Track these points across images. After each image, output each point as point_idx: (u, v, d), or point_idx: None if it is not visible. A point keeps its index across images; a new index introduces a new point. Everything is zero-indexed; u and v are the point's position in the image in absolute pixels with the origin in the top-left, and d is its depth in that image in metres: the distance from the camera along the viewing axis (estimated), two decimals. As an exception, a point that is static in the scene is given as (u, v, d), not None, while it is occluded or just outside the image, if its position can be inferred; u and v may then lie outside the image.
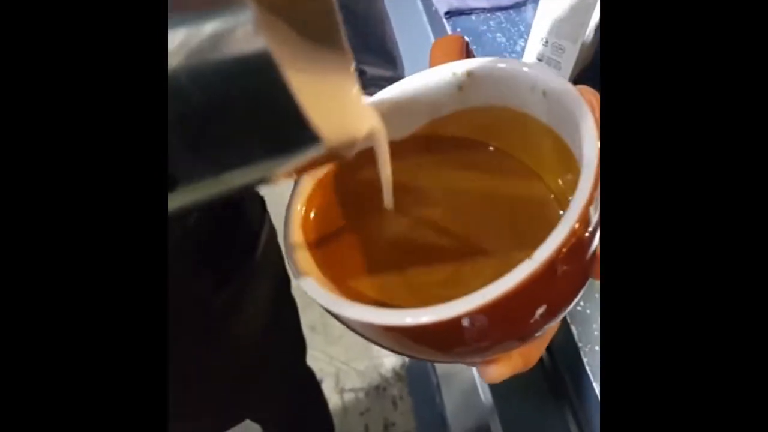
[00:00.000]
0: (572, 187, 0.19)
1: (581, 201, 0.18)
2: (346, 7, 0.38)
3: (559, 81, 0.22)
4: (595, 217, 0.18)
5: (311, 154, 0.15)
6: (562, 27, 0.53)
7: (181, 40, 0.13)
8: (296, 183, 0.25)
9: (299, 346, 0.65)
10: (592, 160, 0.19)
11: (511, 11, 0.64)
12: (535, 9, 0.54)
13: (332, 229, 0.26)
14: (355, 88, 0.20)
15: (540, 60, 0.56)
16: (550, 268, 0.17)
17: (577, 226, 0.17)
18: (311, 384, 0.73)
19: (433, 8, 0.65)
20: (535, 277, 0.17)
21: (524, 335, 0.21)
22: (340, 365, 1.18)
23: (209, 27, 0.13)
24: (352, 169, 0.27)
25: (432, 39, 0.67)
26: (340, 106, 0.19)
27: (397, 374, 1.17)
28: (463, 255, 0.24)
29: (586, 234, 0.18)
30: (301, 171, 0.18)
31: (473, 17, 0.63)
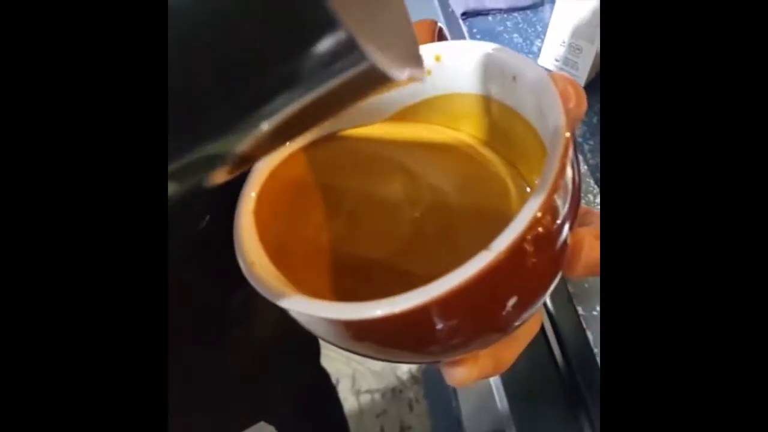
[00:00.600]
0: None
1: (545, 190, 0.17)
2: None
3: (529, 66, 0.21)
4: (563, 206, 0.18)
5: (351, 69, 0.13)
6: (579, 27, 0.52)
7: None
8: (250, 171, 0.23)
9: (313, 347, 0.65)
10: (557, 148, 0.18)
11: (528, 12, 0.63)
12: (552, 9, 0.53)
13: (287, 219, 0.24)
14: (404, 14, 0.17)
15: (557, 61, 0.55)
16: (510, 258, 0.16)
17: (539, 215, 0.16)
18: (326, 385, 0.73)
19: (450, 9, 0.65)
20: (493, 267, 0.16)
21: (499, 327, 0.19)
22: (357, 366, 1.18)
23: None
24: (308, 157, 0.25)
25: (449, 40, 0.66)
26: (386, 24, 0.17)
27: (413, 377, 1.17)
28: (428, 249, 0.23)
29: (553, 224, 0.17)
30: (339, 104, 0.15)
31: (490, 18, 0.63)
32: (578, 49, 0.53)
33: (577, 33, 0.53)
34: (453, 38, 0.66)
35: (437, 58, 0.24)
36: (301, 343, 0.62)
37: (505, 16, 0.63)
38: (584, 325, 0.40)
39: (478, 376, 0.22)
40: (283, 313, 0.61)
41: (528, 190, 0.24)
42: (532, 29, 0.61)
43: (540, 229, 0.17)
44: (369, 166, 0.26)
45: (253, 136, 0.14)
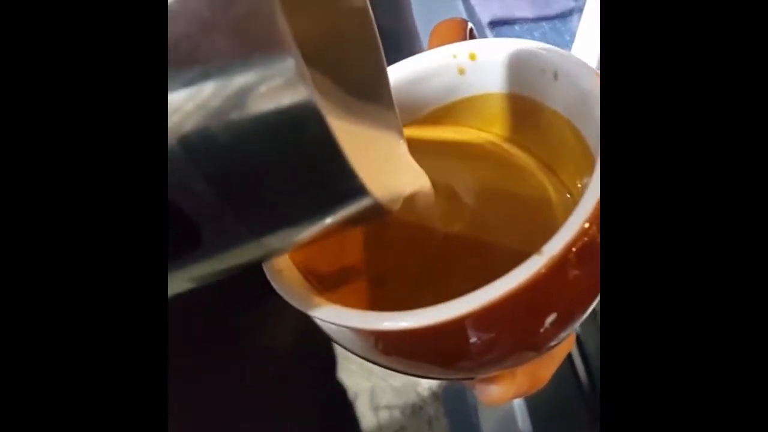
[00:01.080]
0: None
1: (592, 199, 0.16)
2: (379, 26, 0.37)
3: (573, 60, 0.20)
4: None
5: (356, 207, 0.14)
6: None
7: (211, 93, 0.12)
8: None
9: (329, 361, 0.64)
10: None
11: (557, 21, 0.62)
12: (580, 18, 0.52)
13: None
14: (402, 145, 0.19)
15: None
16: (558, 267, 0.15)
17: (587, 225, 0.15)
18: (342, 399, 0.72)
19: (477, 18, 0.64)
20: (542, 275, 0.15)
21: (535, 345, 0.18)
22: (377, 381, 1.16)
23: (240, 80, 0.12)
24: None
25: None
26: (386, 161, 0.18)
27: (434, 393, 1.15)
28: (462, 259, 0.21)
29: (599, 236, 0.16)
30: (342, 228, 0.16)
31: (517, 27, 0.62)
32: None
33: (606, 41, 0.51)
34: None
35: (472, 56, 0.23)
36: (317, 357, 0.61)
37: (533, 25, 0.62)
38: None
39: (515, 395, 0.21)
40: (298, 327, 0.61)
41: (568, 196, 0.22)
42: (560, 39, 0.60)
43: (587, 240, 0.16)
44: None
45: (251, 254, 0.15)
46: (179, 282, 0.15)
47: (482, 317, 0.15)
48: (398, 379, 1.16)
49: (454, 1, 0.72)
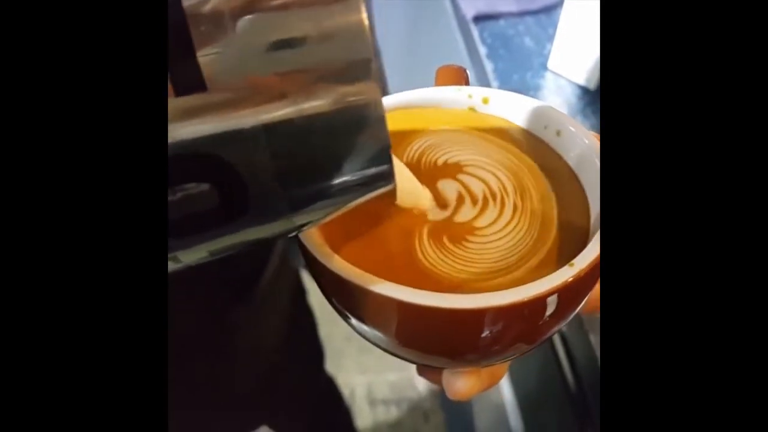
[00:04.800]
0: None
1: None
2: None
3: (575, 123, 0.24)
4: None
5: (375, 191, 0.17)
6: (587, 31, 0.50)
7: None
8: None
9: (317, 354, 0.64)
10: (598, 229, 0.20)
11: (541, 15, 0.62)
12: (563, 11, 0.52)
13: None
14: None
15: (566, 65, 0.54)
16: (583, 278, 0.18)
17: None
18: (331, 392, 0.73)
19: (462, 13, 0.64)
20: (569, 283, 0.18)
21: (535, 340, 0.21)
22: (373, 376, 1.17)
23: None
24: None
25: (462, 45, 0.65)
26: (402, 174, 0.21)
27: (429, 387, 1.15)
28: (485, 239, 0.22)
29: None
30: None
31: (502, 21, 0.61)
32: (586, 54, 0.52)
33: (585, 37, 0.51)
34: (464, 44, 0.65)
35: (485, 101, 0.26)
36: (305, 352, 0.62)
37: (517, 20, 0.61)
38: (593, 347, 0.40)
39: (480, 389, 0.22)
40: (287, 324, 0.61)
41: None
42: (544, 33, 0.60)
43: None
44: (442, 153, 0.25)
45: (276, 229, 0.17)
46: (199, 253, 0.16)
47: (509, 311, 0.18)
48: (394, 375, 1.16)
49: (441, -3, 0.72)
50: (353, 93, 0.14)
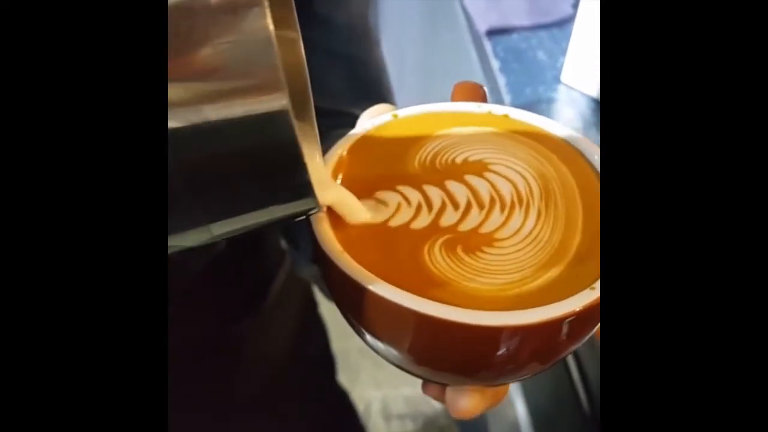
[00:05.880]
0: None
1: None
2: (346, 53, 0.39)
3: (588, 142, 0.24)
4: None
5: (303, 206, 0.17)
6: (597, 45, 0.50)
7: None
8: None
9: (329, 367, 0.64)
10: None
11: (554, 28, 0.61)
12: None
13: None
14: (320, 162, 0.21)
15: (579, 78, 0.53)
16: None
17: None
18: (345, 406, 0.72)
19: (475, 28, 0.64)
20: (589, 306, 0.18)
21: (550, 360, 0.21)
22: (389, 390, 1.16)
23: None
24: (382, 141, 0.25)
25: (475, 58, 0.65)
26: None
27: (445, 403, 1.14)
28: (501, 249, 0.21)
29: None
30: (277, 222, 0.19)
31: (515, 35, 0.61)
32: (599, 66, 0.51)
33: (599, 49, 0.50)
34: (478, 58, 0.65)
35: (505, 117, 0.26)
36: (316, 363, 0.61)
37: (530, 33, 0.61)
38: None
39: (484, 408, 0.22)
40: (297, 334, 0.61)
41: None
42: (558, 46, 0.59)
43: None
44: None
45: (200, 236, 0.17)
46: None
47: (532, 331, 0.18)
48: (409, 389, 1.15)
49: (455, 12, 0.72)
50: (260, 101, 0.14)
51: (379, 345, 0.21)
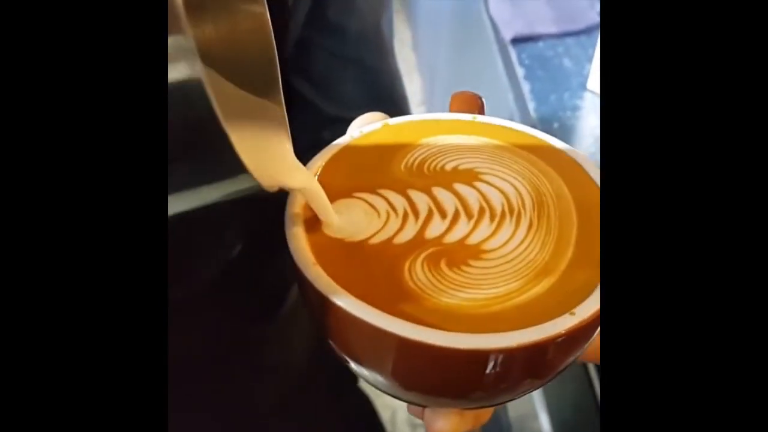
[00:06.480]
0: None
1: None
2: (358, 60, 0.39)
3: (588, 159, 0.23)
4: None
5: (240, 184, 0.17)
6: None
7: None
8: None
9: (349, 373, 0.64)
10: None
11: (581, 35, 0.61)
12: (601, 32, 0.51)
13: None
14: (287, 142, 0.20)
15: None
16: (584, 327, 0.18)
17: None
18: (367, 414, 0.72)
19: (501, 36, 0.64)
20: (571, 330, 0.17)
21: (541, 382, 0.20)
22: (415, 399, 1.15)
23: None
24: (364, 150, 0.24)
25: (501, 66, 0.65)
26: (272, 156, 0.20)
27: (472, 414, 1.12)
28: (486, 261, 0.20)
29: None
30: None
31: (541, 44, 0.61)
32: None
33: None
34: (503, 66, 0.65)
35: (502, 127, 0.26)
36: (337, 369, 0.61)
37: (556, 41, 0.61)
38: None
39: (462, 430, 0.21)
40: (311, 342, 0.60)
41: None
42: (584, 53, 0.59)
43: None
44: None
45: None
46: None
47: (511, 355, 0.17)
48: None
49: (482, 21, 0.72)
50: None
51: (343, 356, 0.21)
